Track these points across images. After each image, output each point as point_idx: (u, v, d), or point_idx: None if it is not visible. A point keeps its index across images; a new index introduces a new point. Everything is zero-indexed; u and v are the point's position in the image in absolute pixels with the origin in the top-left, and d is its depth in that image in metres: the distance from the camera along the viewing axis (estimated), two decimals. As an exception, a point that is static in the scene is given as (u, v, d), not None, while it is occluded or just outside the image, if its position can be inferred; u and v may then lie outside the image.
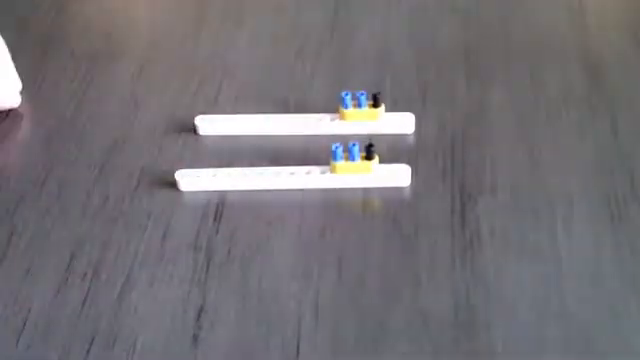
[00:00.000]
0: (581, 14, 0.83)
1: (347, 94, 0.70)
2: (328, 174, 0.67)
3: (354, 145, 0.66)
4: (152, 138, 0.71)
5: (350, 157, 0.66)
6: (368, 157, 0.67)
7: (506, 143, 0.70)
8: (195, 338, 0.57)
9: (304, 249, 0.63)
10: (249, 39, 0.81)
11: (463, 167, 0.68)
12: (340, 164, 0.66)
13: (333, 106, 0.72)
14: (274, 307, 0.59)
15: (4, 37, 0.74)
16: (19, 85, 0.74)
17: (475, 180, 0.67)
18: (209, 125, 0.72)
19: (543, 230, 0.63)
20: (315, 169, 0.67)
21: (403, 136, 0.71)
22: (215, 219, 0.65)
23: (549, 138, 0.71)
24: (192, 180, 0.67)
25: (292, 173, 0.67)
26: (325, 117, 0.72)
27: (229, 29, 0.83)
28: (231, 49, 0.80)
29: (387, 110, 0.72)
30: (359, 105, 0.70)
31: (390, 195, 0.66)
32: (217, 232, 0.64)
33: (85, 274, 0.62)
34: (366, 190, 0.67)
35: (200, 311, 0.59)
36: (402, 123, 0.71)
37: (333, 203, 0.66)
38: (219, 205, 0.66)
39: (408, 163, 0.68)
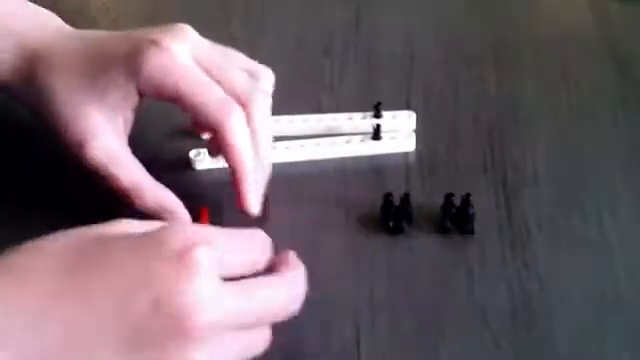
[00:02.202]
0: (604, 7, 0.83)
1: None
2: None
3: None
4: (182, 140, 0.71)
5: None
6: (375, 137, 0.67)
7: (542, 136, 0.71)
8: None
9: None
10: (274, 39, 0.81)
11: (503, 161, 0.68)
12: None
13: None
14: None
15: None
16: None
17: (516, 174, 0.67)
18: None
19: (590, 219, 0.64)
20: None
21: (438, 133, 0.71)
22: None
23: (585, 130, 0.71)
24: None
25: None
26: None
27: (253, 31, 0.82)
28: (257, 50, 0.80)
29: (418, 108, 0.72)
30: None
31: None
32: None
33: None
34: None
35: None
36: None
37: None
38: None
39: (446, 159, 0.68)
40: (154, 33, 0.60)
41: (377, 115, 0.71)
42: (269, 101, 0.62)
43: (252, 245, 0.52)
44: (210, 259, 0.47)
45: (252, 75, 0.62)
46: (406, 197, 0.63)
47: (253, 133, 0.59)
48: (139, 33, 0.61)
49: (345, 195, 0.66)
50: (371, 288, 0.60)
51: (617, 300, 0.58)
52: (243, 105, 0.59)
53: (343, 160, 0.69)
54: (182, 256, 0.46)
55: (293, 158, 0.68)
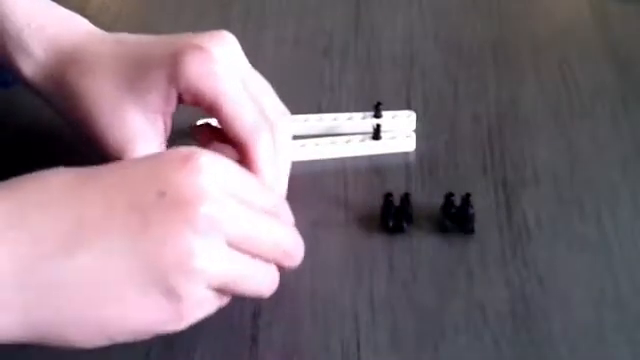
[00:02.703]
0: (603, 7, 0.83)
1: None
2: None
3: None
4: (180, 142, 0.71)
5: None
6: (375, 137, 0.67)
7: (543, 136, 0.71)
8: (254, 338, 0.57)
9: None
10: (273, 40, 0.81)
11: (503, 161, 0.68)
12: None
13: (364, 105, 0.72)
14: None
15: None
16: None
17: (516, 174, 0.67)
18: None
19: (590, 219, 0.64)
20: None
21: (438, 133, 0.71)
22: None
23: (585, 130, 0.71)
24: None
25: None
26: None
27: (252, 31, 0.82)
28: (257, 50, 0.80)
29: (418, 108, 0.72)
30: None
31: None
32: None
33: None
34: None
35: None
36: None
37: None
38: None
39: (446, 159, 0.68)
40: (197, 38, 0.59)
41: (377, 115, 0.71)
42: (291, 129, 0.63)
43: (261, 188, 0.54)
44: (215, 166, 0.50)
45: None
46: (406, 197, 0.63)
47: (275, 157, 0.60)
48: (181, 37, 0.60)
49: (345, 195, 0.66)
50: (371, 288, 0.60)
51: (617, 300, 0.58)
52: (270, 128, 0.59)
53: (343, 160, 0.69)
54: (188, 158, 0.49)
55: (293, 158, 0.68)
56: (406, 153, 0.69)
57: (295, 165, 0.67)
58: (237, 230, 0.50)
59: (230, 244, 0.50)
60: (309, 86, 0.76)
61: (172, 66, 0.58)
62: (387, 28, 0.82)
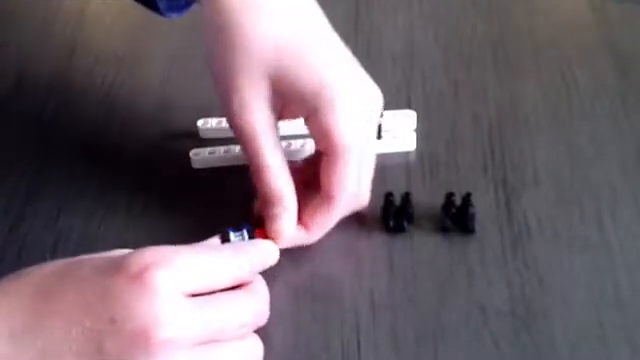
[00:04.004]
0: (603, 7, 0.83)
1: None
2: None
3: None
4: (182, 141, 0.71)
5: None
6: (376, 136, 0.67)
7: (543, 136, 0.71)
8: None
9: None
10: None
11: (503, 161, 0.68)
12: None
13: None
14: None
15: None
16: None
17: (517, 174, 0.67)
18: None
19: (590, 219, 0.64)
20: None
21: (438, 133, 0.71)
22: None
23: (585, 130, 0.71)
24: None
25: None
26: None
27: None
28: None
29: (418, 108, 0.72)
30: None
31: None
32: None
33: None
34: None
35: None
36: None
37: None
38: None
39: (446, 158, 0.68)
40: None
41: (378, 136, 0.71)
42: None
43: (215, 261, 0.53)
44: (167, 279, 0.49)
45: None
46: (407, 196, 0.63)
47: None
48: None
49: (345, 195, 0.66)
50: (371, 288, 0.60)
51: (617, 300, 0.58)
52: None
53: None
54: (138, 277, 0.49)
55: (294, 157, 0.68)
56: (407, 153, 0.69)
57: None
58: (200, 334, 0.50)
59: (195, 345, 0.50)
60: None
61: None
62: (387, 28, 0.82)
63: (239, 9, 0.59)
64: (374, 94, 0.62)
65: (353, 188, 0.60)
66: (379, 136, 0.69)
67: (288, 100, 0.60)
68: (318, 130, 0.60)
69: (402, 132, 0.70)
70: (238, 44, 0.59)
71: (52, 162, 0.69)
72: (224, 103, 0.60)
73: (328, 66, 0.60)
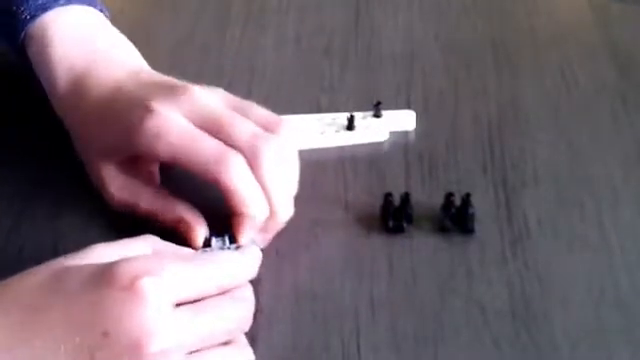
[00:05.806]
0: (604, 7, 0.83)
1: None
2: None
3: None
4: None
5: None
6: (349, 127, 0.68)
7: (543, 136, 0.71)
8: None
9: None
10: (273, 40, 0.81)
11: (503, 161, 0.68)
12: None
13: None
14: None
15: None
16: None
17: (516, 173, 0.67)
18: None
19: (590, 219, 0.64)
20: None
21: (438, 133, 0.71)
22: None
23: (585, 129, 0.71)
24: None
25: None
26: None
27: (252, 31, 0.82)
28: (257, 50, 0.80)
29: (418, 108, 0.72)
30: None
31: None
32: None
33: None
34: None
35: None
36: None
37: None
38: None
39: (446, 158, 0.68)
40: (151, 94, 0.61)
41: (377, 114, 0.71)
42: (284, 150, 0.61)
43: (204, 269, 0.53)
44: (157, 289, 0.49)
45: (267, 127, 0.61)
46: (406, 197, 0.63)
47: (260, 181, 0.59)
48: (141, 91, 0.63)
49: (345, 195, 0.66)
50: (371, 288, 0.60)
51: (617, 300, 0.58)
52: (247, 154, 0.59)
53: (343, 160, 0.69)
54: (129, 288, 0.48)
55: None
56: (406, 152, 0.69)
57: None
58: (192, 342, 0.50)
59: (187, 354, 0.50)
60: (309, 86, 0.76)
61: (127, 129, 0.61)
62: (387, 28, 0.82)
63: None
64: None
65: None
66: (352, 127, 0.69)
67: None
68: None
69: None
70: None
71: (52, 162, 0.69)
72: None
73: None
